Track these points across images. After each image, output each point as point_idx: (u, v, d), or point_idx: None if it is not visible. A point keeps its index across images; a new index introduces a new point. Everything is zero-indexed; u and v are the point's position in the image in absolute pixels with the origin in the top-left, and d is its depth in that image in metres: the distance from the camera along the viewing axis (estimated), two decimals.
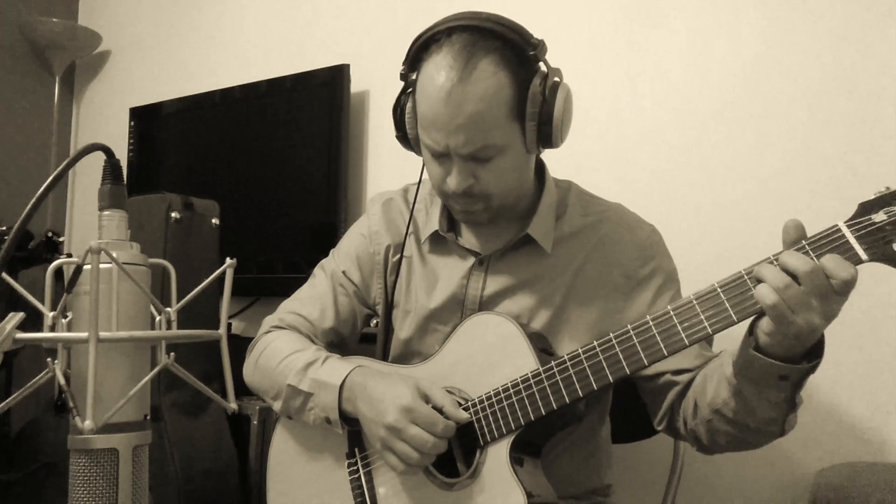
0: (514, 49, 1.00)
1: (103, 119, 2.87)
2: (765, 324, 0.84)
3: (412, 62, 1.06)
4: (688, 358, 1.05)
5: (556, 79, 1.02)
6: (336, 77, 2.10)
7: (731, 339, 0.95)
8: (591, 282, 1.11)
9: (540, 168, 1.18)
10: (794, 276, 0.80)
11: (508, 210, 1.12)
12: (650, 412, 1.13)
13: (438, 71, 0.98)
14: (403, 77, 1.08)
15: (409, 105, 1.08)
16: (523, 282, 1.12)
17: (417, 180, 1.21)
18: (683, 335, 0.90)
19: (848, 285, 0.79)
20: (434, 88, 0.98)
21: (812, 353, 0.86)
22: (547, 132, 1.02)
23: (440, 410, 0.99)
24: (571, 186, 1.21)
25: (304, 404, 1.10)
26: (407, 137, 1.11)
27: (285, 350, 1.16)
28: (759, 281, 0.83)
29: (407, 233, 1.21)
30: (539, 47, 1.01)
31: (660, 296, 1.10)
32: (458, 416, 0.99)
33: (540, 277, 1.12)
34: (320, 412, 1.08)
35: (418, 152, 1.12)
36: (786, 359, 0.85)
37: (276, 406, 1.16)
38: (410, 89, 1.07)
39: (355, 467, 1.10)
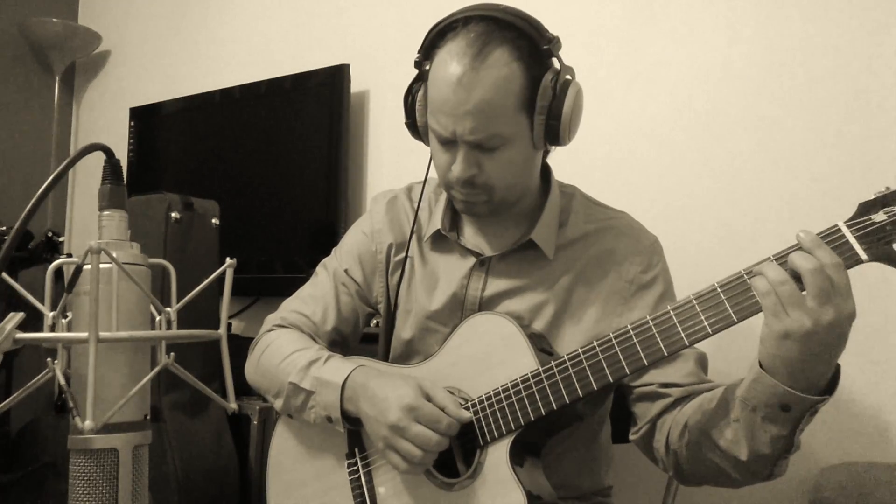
0: (529, 42, 1.00)
1: (103, 119, 2.87)
2: (763, 322, 0.83)
3: (427, 50, 1.06)
4: (679, 373, 1.04)
5: (568, 76, 1.03)
6: (336, 77, 2.10)
7: (731, 342, 0.94)
8: (592, 286, 1.11)
9: (545, 172, 1.18)
10: (797, 277, 0.79)
11: (510, 207, 1.12)
12: (631, 421, 1.10)
13: (452, 57, 0.99)
14: (417, 65, 1.08)
15: (420, 93, 1.09)
16: (523, 285, 1.12)
17: (423, 178, 1.20)
18: (683, 335, 0.89)
19: (833, 269, 0.78)
20: (446, 74, 0.99)
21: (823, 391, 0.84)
22: (555, 128, 1.02)
23: (442, 410, 0.99)
24: (576, 192, 1.20)
25: (306, 402, 1.10)
26: (416, 125, 1.11)
27: (287, 348, 1.16)
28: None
29: (411, 231, 1.20)
30: (554, 43, 1.01)
31: (661, 303, 1.08)
32: (461, 416, 0.99)
33: (540, 282, 1.12)
34: (321, 411, 1.08)
35: (426, 141, 1.12)
36: (790, 385, 0.83)
37: (278, 404, 1.16)
38: (423, 77, 1.07)
39: (355, 467, 1.10)
